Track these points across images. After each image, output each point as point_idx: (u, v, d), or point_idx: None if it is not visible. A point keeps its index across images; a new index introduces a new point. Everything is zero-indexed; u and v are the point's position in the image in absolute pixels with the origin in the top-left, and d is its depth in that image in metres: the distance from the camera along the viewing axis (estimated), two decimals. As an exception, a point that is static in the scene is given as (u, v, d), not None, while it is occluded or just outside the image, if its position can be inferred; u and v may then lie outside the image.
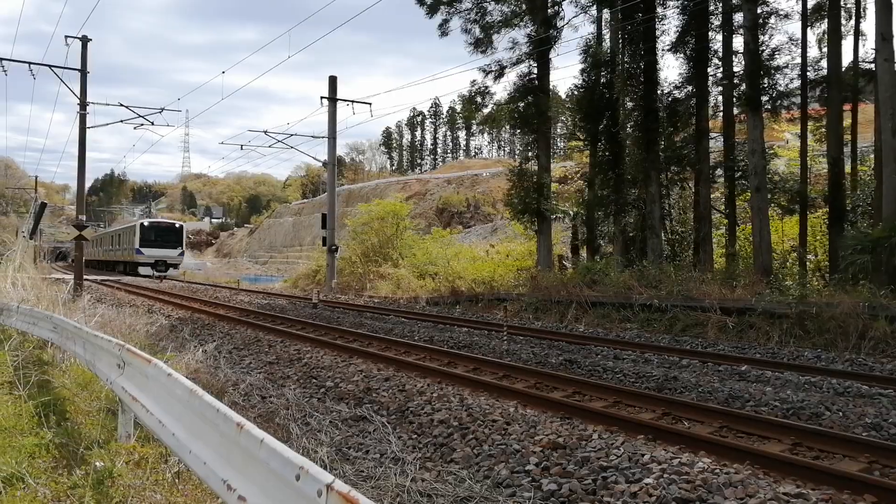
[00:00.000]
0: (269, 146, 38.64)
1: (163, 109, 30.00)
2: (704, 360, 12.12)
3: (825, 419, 8.31)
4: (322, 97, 34.22)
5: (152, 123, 30.52)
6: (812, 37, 28.58)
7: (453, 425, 7.98)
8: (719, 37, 26.50)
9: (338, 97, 34.28)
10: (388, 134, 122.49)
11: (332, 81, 34.38)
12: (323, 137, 36.01)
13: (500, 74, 30.34)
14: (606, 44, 29.01)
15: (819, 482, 6.01)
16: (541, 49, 28.77)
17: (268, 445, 4.10)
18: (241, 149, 37.37)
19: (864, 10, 28.84)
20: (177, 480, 6.01)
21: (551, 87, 30.75)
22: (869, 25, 33.40)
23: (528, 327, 18.31)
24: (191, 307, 24.52)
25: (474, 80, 31.66)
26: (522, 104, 29.73)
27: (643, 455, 6.37)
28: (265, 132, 35.66)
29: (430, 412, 8.62)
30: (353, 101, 34.34)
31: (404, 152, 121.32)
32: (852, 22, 27.28)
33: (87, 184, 31.23)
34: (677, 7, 26.77)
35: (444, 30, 31.43)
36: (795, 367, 11.63)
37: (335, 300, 28.93)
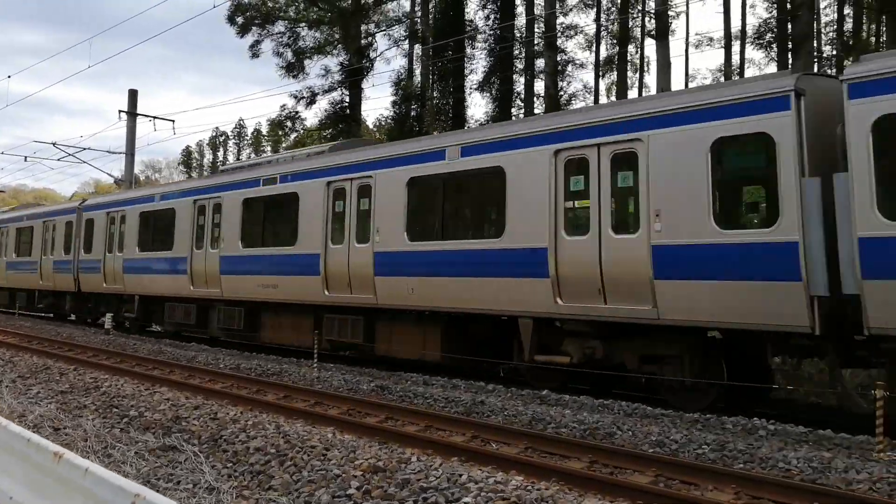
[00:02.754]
0: (59, 160, 36.05)
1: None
2: (508, 386, 12.73)
3: (617, 438, 9.04)
4: (121, 111, 32.56)
5: None
6: (603, 86, 31.23)
7: (271, 452, 7.90)
8: (523, 80, 28.20)
9: (138, 112, 32.74)
10: (188, 153, 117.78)
11: (133, 95, 32.82)
12: (119, 153, 34.21)
13: (311, 101, 30.44)
14: (417, 78, 29.93)
15: (616, 495, 6.57)
16: (354, 79, 29.15)
17: (94, 474, 3.96)
18: (26, 160, 34.56)
19: (647, 66, 31.94)
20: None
21: (363, 116, 31.19)
22: (652, 79, 37.00)
23: (339, 355, 18.30)
24: (-40, 332, 22.22)
25: (284, 105, 31.69)
26: (334, 131, 29.90)
27: (461, 475, 6.66)
28: (54, 144, 33.31)
29: (246, 440, 8.47)
30: (154, 118, 32.95)
31: (205, 172, 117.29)
32: (637, 75, 30.10)
33: None
34: (485, 49, 28.19)
35: (255, 51, 31.12)
36: (591, 392, 12.46)
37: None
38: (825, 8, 31.84)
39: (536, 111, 26.87)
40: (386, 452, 7.70)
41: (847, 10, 29.64)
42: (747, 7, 32.73)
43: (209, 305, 19.94)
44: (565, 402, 11.36)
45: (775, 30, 26.94)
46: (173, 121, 33.55)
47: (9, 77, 30.04)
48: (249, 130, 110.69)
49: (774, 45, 27.47)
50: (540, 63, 27.31)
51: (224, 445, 8.43)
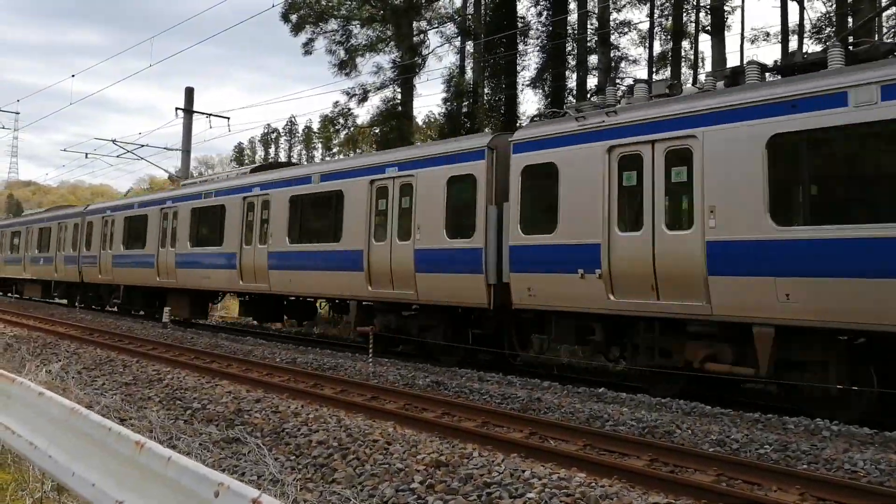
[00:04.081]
0: (118, 156, 36.98)
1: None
2: (564, 383, 12.70)
3: (677, 436, 8.97)
4: (177, 108, 33.25)
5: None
6: (656, 82, 30.90)
7: (333, 446, 8.02)
8: (575, 76, 28.05)
9: (194, 109, 33.40)
10: (240, 149, 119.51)
11: (189, 93, 33.47)
12: (176, 150, 34.98)
13: (363, 98, 30.69)
14: (469, 74, 29.95)
15: (679, 493, 6.53)
16: (405, 76, 29.30)
17: (177, 463, 4.06)
18: (87, 157, 35.63)
19: (702, 62, 31.50)
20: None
21: (414, 113, 31.38)
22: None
23: (392, 350, 18.45)
24: (26, 324, 22.92)
25: (337, 102, 31.91)
26: (385, 128, 30.10)
27: (523, 471, 6.69)
28: (113, 141, 34.24)
29: (308, 433, 8.61)
30: (210, 115, 33.58)
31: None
32: (692, 72, 29.69)
33: None
34: (537, 45, 28.10)
35: (308, 49, 31.46)
36: (648, 390, 12.35)
37: (185, 320, 27.87)
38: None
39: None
40: (447, 447, 7.77)
41: (911, 2, 28.78)
42: (805, 1, 31.97)
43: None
44: (622, 399, 11.30)
45: (835, 24, 26.30)
46: (228, 118, 34.24)
47: (72, 76, 31.07)
48: (300, 127, 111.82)
49: (834, 39, 26.79)
50: (593, 59, 27.16)
51: (286, 438, 8.59)
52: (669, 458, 7.79)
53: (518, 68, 27.89)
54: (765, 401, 11.65)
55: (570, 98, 27.79)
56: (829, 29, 26.83)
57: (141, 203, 26.47)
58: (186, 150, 33.83)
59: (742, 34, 35.06)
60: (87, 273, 29.69)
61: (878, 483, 6.95)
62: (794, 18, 30.81)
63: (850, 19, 23.83)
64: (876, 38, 21.50)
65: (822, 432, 9.05)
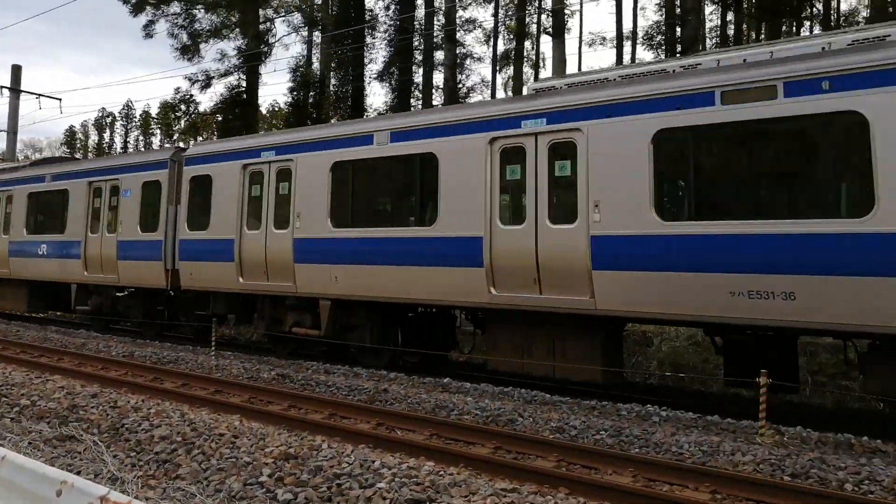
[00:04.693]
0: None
1: None
2: (410, 374, 12.91)
3: (519, 424, 9.35)
4: (3, 87, 30.91)
5: None
6: (500, 80, 31.98)
7: (177, 440, 7.78)
8: (422, 71, 28.46)
9: (22, 88, 31.12)
10: (71, 133, 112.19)
11: (16, 70, 31.18)
12: (1, 131, 32.51)
13: (207, 84, 29.73)
14: (316, 65, 29.68)
15: (523, 479, 6.84)
16: (251, 64, 28.61)
17: (12, 462, 3.85)
18: None
19: (543, 62, 32.86)
20: None
21: (259, 101, 30.66)
22: (547, 75, 38.01)
23: (237, 343, 18.05)
24: None
25: (178, 88, 30.95)
26: (230, 116, 29.29)
27: (373, 462, 6.78)
28: (-76, 119, 31.29)
29: (149, 428, 8.30)
30: (40, 95, 31.39)
31: (90, 153, 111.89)
32: (533, 72, 30.94)
33: None
34: (385, 39, 28.27)
35: (148, 31, 30.10)
36: (491, 380, 12.75)
37: (6, 313, 25.94)
38: (710, 13, 33.46)
39: (436, 102, 27.13)
40: (296, 440, 7.73)
41: (729, 17, 31.33)
42: (638, 10, 34.07)
43: None
44: (466, 389, 11.62)
45: (665, 32, 28.18)
46: (60, 99, 32.19)
47: None
48: (138, 112, 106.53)
49: (664, 47, 28.71)
50: (439, 55, 27.64)
51: (126, 434, 8.24)
52: (513, 445, 8.12)
53: (366, 61, 27.98)
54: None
55: (417, 92, 28.17)
56: (659, 37, 28.67)
57: (400, 132, 12.92)
58: (13, 131, 31.60)
59: (580, 37, 36.79)
60: (189, 273, 16.17)
61: (702, 463, 7.56)
62: (628, 25, 32.82)
63: (678, 29, 25.56)
64: (700, 48, 23.17)
65: (653, 418, 9.70)
